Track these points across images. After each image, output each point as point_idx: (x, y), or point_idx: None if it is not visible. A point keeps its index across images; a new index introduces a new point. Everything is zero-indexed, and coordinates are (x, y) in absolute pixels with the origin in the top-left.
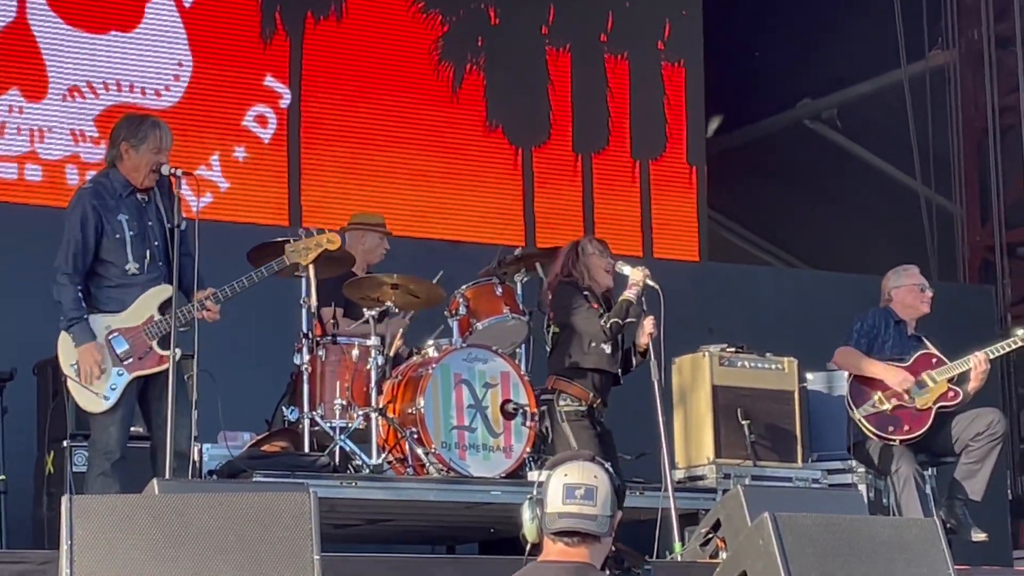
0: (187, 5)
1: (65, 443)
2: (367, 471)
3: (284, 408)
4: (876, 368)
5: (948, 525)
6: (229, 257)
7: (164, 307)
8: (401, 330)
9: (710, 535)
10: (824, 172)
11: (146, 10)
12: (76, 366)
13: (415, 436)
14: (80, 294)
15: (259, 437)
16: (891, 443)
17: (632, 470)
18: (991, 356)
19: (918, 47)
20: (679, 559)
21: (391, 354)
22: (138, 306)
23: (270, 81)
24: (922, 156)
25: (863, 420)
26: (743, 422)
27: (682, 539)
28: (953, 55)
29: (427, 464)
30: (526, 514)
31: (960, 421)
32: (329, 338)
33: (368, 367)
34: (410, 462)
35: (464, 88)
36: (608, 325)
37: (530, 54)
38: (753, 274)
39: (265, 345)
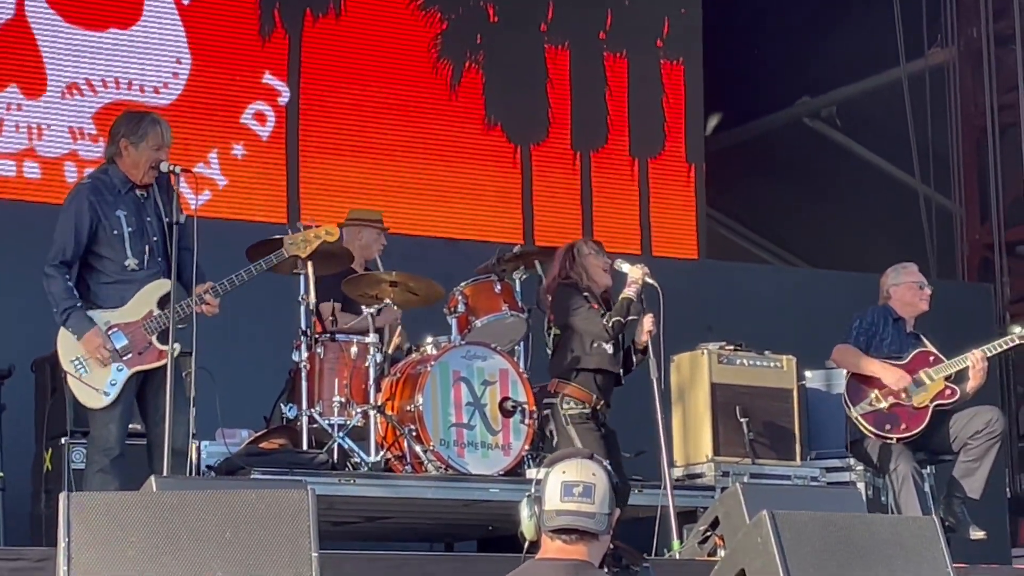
0: (186, 2)
1: (63, 440)
2: (365, 468)
3: (282, 405)
4: (873, 366)
5: (947, 523)
6: (227, 254)
7: (163, 302)
8: (400, 327)
9: (708, 533)
10: (823, 170)
11: (145, 7)
12: (76, 362)
13: (413, 433)
14: (70, 283)
15: (257, 434)
16: (889, 441)
17: (631, 468)
18: (988, 354)
19: (917, 45)
20: (677, 557)
21: (391, 351)
22: (137, 301)
23: (268, 78)
24: (921, 154)
25: (860, 418)
26: (742, 420)
27: (680, 537)
28: (952, 53)
29: (425, 462)
30: (524, 512)
31: (959, 419)
32: (328, 335)
33: (367, 364)
34: (408, 459)
35: (463, 85)
36: (610, 324)
37: (529, 52)
38: (752, 272)
39: (263, 342)
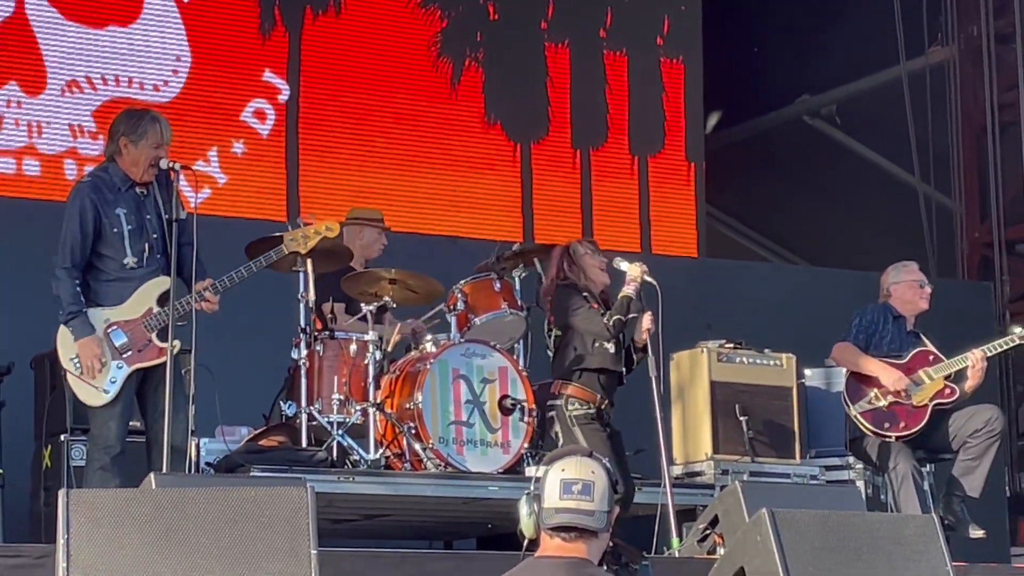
0: (186, 0)
1: (63, 437)
2: (364, 466)
3: (282, 403)
4: (872, 366)
5: (946, 522)
6: (227, 252)
7: (163, 299)
8: (398, 324)
9: (708, 531)
10: (823, 168)
11: (145, 4)
12: (76, 360)
13: (413, 431)
14: (78, 288)
15: (256, 432)
16: (888, 440)
17: (630, 466)
18: (988, 354)
19: (918, 43)
20: (677, 555)
21: (390, 349)
22: (137, 298)
23: (268, 76)
24: (921, 153)
25: (859, 416)
26: (741, 418)
27: (680, 535)
28: (952, 51)
29: (425, 459)
30: (523, 509)
31: (958, 418)
32: (327, 333)
33: (366, 362)
34: (408, 457)
35: (463, 83)
36: (611, 323)
37: (529, 50)
38: (752, 270)
39: (263, 340)
